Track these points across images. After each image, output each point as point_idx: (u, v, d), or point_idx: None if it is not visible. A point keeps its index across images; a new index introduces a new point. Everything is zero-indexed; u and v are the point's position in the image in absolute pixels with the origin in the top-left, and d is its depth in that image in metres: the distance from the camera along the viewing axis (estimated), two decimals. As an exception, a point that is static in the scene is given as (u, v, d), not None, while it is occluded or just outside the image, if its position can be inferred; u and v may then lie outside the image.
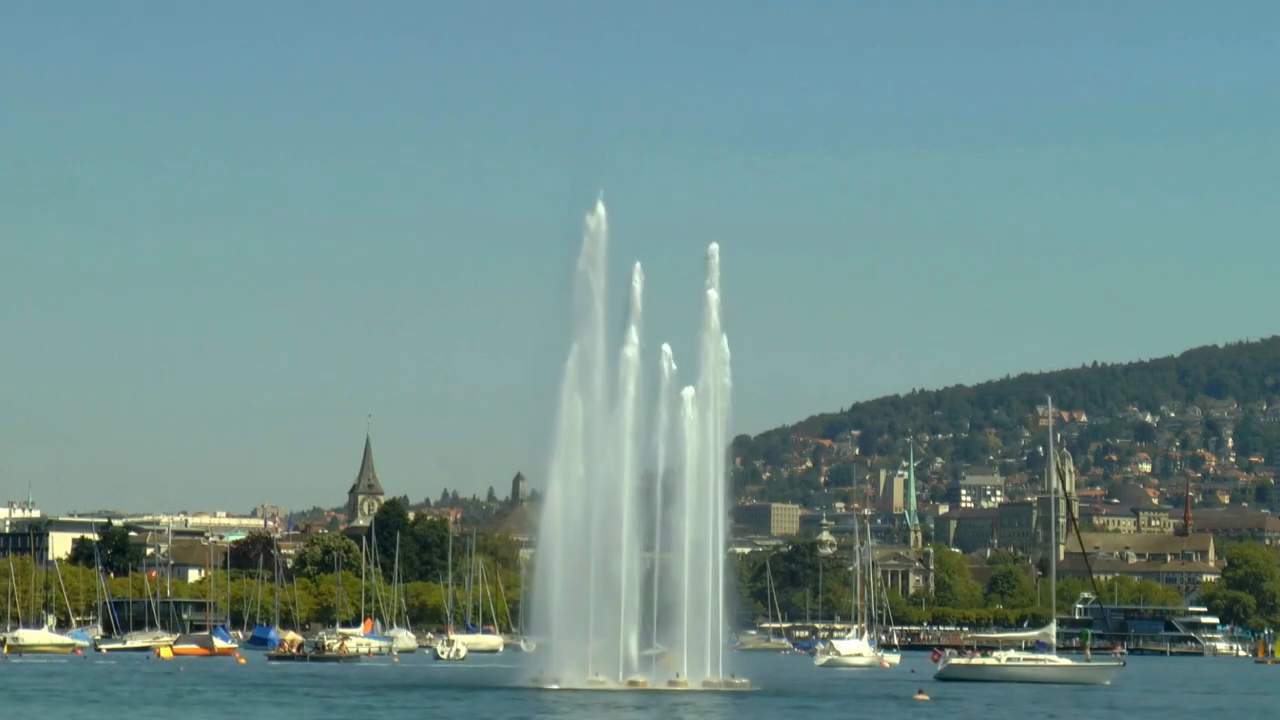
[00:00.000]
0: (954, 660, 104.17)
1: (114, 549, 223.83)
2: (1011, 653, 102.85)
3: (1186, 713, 75.98)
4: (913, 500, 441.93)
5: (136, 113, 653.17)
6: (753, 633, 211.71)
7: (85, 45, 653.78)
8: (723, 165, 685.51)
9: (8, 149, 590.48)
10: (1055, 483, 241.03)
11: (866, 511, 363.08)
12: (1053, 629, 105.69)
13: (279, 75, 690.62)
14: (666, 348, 75.72)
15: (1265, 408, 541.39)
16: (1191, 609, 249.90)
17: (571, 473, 74.83)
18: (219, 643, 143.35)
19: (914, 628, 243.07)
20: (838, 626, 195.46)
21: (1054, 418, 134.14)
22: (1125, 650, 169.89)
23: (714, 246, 76.44)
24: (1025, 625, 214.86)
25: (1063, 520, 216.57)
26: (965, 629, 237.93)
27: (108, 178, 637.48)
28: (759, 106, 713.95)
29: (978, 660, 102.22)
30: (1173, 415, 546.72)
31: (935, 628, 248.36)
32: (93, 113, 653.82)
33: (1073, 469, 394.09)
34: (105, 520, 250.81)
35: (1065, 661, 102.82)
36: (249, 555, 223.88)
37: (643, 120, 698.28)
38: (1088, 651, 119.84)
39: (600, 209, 74.96)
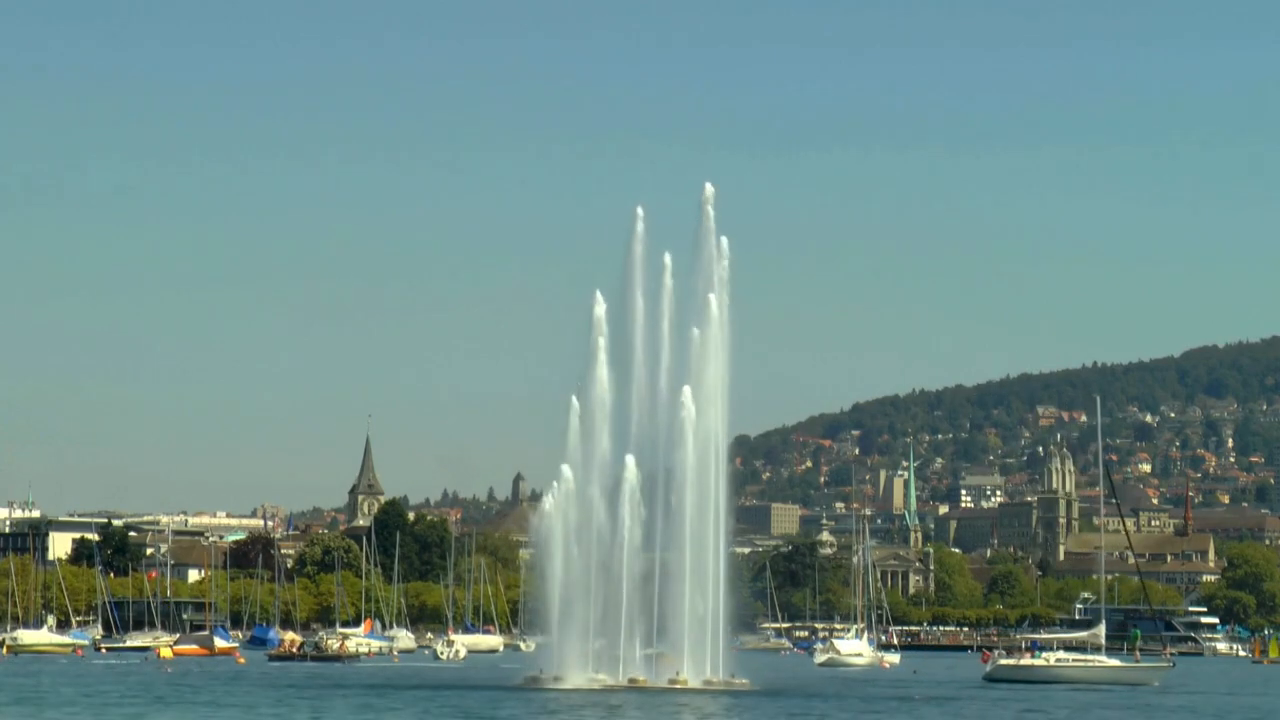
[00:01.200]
0: (1003, 661, 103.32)
1: (114, 549, 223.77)
2: (1060, 653, 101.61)
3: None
4: (913, 500, 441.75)
5: (136, 113, 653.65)
6: (766, 632, 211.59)
7: (85, 45, 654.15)
8: (722, 165, 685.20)
9: (7, 148, 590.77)
10: (1060, 484, 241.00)
11: (866, 511, 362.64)
12: (1101, 629, 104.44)
13: (279, 75, 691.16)
14: (666, 258, 76.31)
15: (1265, 408, 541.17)
16: (1191, 609, 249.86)
17: (572, 472, 74.91)
18: (219, 643, 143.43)
19: (914, 628, 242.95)
20: (838, 626, 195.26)
21: (1100, 416, 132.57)
22: (1174, 651, 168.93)
23: (708, 188, 76.86)
24: (1026, 625, 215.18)
25: (1098, 520, 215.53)
26: (965, 629, 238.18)
27: (107, 177, 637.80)
28: (759, 106, 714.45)
29: (1026, 661, 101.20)
30: (1173, 415, 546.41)
31: (935, 628, 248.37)
32: (92, 113, 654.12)
33: (1073, 469, 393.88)
34: (105, 520, 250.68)
35: (1114, 662, 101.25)
36: (249, 555, 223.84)
37: (642, 120, 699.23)
38: (1137, 653, 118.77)
39: (600, 310, 75.56)
